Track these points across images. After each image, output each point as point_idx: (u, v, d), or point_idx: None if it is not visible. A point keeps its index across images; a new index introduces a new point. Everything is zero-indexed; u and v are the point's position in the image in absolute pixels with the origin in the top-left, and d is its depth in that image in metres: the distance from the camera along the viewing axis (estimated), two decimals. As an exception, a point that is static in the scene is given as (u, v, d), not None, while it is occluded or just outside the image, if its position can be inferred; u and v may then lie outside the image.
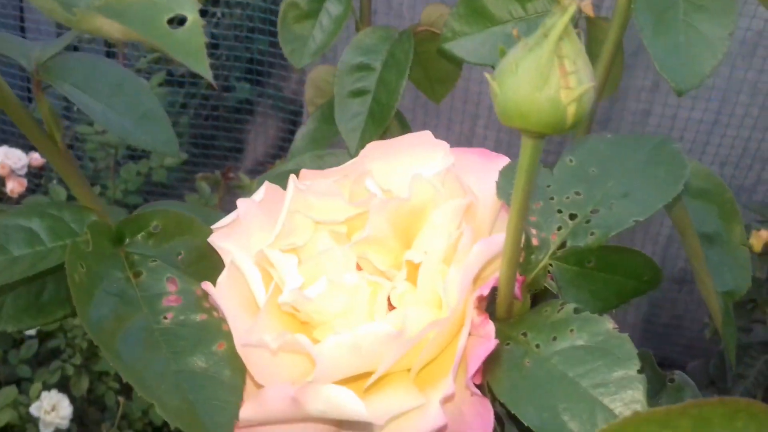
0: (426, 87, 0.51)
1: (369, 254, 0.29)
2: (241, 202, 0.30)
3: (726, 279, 0.34)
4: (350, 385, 0.25)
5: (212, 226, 0.29)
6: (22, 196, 1.17)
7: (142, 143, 0.29)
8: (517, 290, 0.28)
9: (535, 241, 0.29)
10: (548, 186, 0.30)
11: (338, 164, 0.31)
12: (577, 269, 0.28)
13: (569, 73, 0.19)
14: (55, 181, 1.29)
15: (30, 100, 1.39)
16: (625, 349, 0.24)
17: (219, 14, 1.58)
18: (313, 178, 0.30)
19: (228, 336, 0.27)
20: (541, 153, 0.22)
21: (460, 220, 0.28)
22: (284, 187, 0.29)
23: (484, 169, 0.31)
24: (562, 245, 0.28)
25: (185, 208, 0.33)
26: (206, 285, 0.28)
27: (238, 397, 0.26)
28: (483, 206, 0.30)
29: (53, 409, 1.05)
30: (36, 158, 1.23)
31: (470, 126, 1.34)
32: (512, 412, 0.24)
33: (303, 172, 0.31)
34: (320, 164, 0.40)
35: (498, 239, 0.26)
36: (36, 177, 1.36)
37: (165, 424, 1.13)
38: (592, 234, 0.28)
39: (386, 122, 0.46)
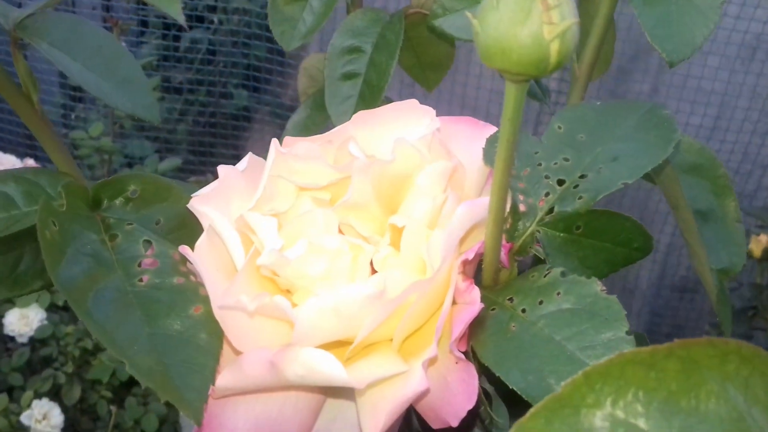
0: (418, 74, 0.51)
1: (352, 219, 0.28)
2: (222, 168, 0.29)
3: (721, 256, 0.34)
4: (332, 352, 0.25)
5: (193, 194, 0.29)
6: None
7: (121, 106, 0.28)
8: (504, 257, 0.27)
9: (522, 208, 0.28)
10: (536, 152, 0.29)
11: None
12: (565, 236, 0.27)
13: (552, 8, 0.19)
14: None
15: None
16: (613, 311, 0.23)
17: (217, 21, 1.59)
18: (298, 143, 0.29)
19: (205, 300, 0.26)
20: (524, 99, 0.21)
21: (446, 184, 0.27)
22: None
23: (472, 137, 0.30)
24: (550, 211, 0.28)
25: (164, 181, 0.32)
26: (184, 249, 0.27)
27: (214, 361, 0.25)
28: (471, 174, 0.29)
29: (45, 417, 1.03)
30: (31, 165, 1.22)
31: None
32: (497, 374, 0.23)
33: (287, 139, 0.30)
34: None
35: (483, 202, 0.26)
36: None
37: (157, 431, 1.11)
38: (580, 198, 0.27)
39: (377, 104, 0.45)
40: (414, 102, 0.30)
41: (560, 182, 0.28)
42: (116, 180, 0.28)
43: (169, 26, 1.55)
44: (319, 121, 0.52)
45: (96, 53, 0.28)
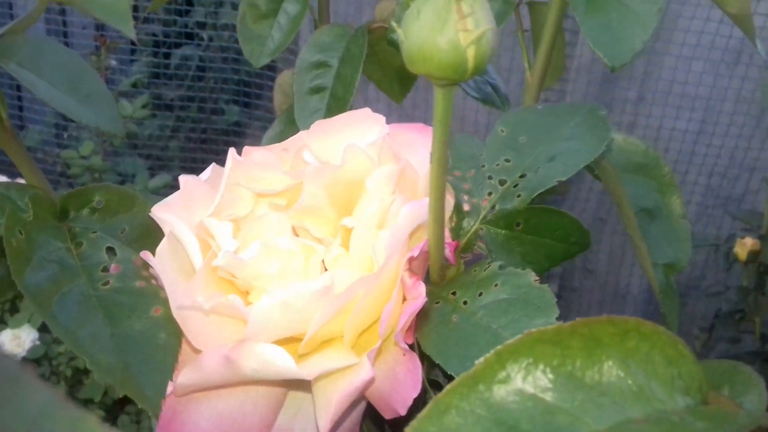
0: (386, 86, 0.52)
1: (306, 223, 0.29)
2: (183, 178, 0.30)
3: (666, 252, 0.35)
4: (289, 348, 0.26)
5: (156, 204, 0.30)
6: None
7: (86, 120, 0.30)
8: (449, 255, 0.29)
9: (466, 207, 0.29)
10: (480, 155, 0.31)
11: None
12: (507, 232, 0.29)
13: (467, 16, 0.20)
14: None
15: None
16: (545, 299, 0.25)
17: (207, 38, 1.61)
18: (256, 151, 0.31)
19: (165, 302, 0.27)
20: (452, 102, 0.23)
21: (394, 186, 0.29)
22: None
23: (422, 143, 0.32)
24: (493, 209, 0.29)
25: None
26: (145, 254, 0.28)
27: (173, 358, 0.26)
28: (424, 178, 0.31)
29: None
30: (1, 180, 1.24)
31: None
32: (437, 362, 0.25)
33: (246, 148, 0.32)
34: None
35: (426, 202, 0.27)
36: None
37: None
38: (518, 196, 0.28)
39: (344, 116, 0.47)
40: (367, 110, 0.32)
41: (502, 182, 0.29)
42: (82, 191, 0.30)
43: (159, 44, 1.57)
44: (292, 135, 0.54)
45: (62, 70, 0.30)
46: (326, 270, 0.28)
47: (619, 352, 0.18)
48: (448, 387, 0.18)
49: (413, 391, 0.26)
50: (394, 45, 0.42)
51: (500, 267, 0.26)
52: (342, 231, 0.29)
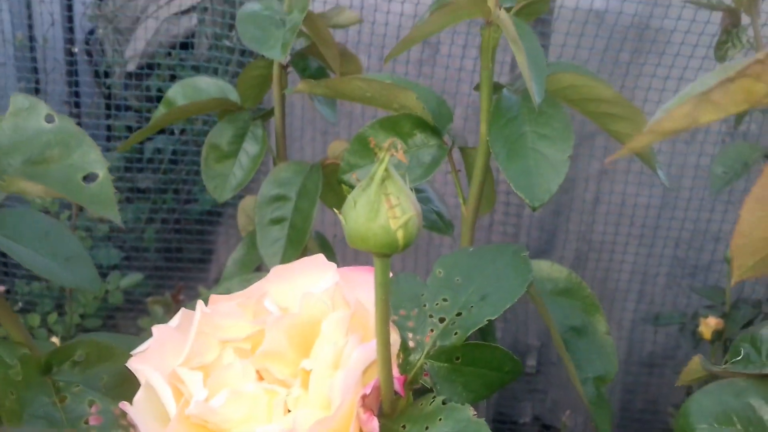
0: (340, 211, 0.57)
1: (269, 366, 0.33)
2: (156, 329, 0.34)
3: (596, 365, 0.39)
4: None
5: (132, 352, 0.33)
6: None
7: (67, 282, 0.33)
8: (399, 388, 0.32)
9: (411, 344, 0.33)
10: (422, 295, 0.35)
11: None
12: (448, 365, 0.33)
13: (394, 206, 0.25)
14: None
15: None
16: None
17: (179, 130, 1.66)
18: (221, 302, 0.35)
19: (143, 449, 0.30)
20: (389, 269, 0.27)
21: (346, 329, 0.33)
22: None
23: (372, 282, 0.36)
24: (434, 345, 0.33)
25: (111, 337, 0.37)
26: (124, 405, 0.31)
27: (151, 504, 0.29)
28: (372, 315, 0.35)
29: None
30: None
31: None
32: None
33: (212, 297, 0.35)
34: (247, 287, 0.44)
35: (374, 344, 0.31)
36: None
37: None
38: (456, 333, 0.33)
39: (303, 244, 0.51)
40: (320, 257, 0.36)
41: (441, 320, 0.34)
42: (65, 348, 0.33)
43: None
44: (255, 259, 0.58)
45: (44, 238, 0.34)
46: (289, 411, 0.32)
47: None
48: None
49: None
50: (345, 184, 0.46)
51: (443, 402, 0.30)
52: (302, 372, 0.32)
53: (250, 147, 0.53)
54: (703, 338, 1.28)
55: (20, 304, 1.30)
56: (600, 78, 0.42)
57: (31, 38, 1.24)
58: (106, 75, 1.57)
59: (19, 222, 0.34)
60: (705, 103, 0.16)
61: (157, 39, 1.61)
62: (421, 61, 1.13)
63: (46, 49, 1.26)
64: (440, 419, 0.30)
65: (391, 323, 0.33)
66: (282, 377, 0.33)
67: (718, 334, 1.26)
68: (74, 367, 0.33)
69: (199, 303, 0.34)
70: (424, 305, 0.34)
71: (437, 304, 0.34)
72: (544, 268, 0.41)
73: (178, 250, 1.68)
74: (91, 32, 1.57)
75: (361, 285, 0.36)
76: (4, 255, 1.42)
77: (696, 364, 0.29)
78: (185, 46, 1.47)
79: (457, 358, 0.33)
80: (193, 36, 1.44)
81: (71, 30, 1.36)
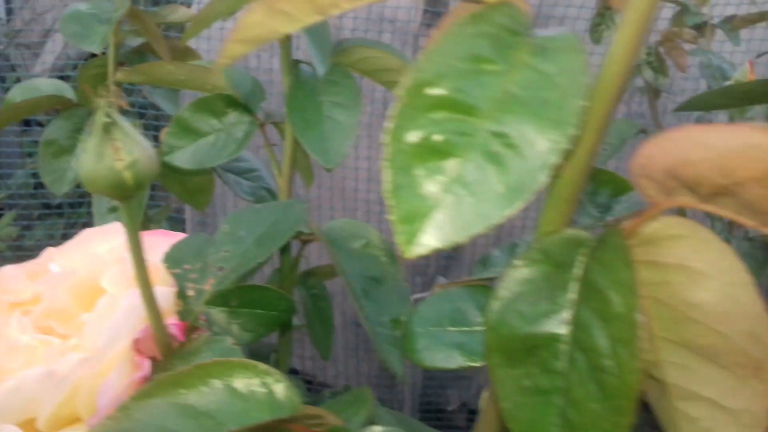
0: (187, 198, 0.59)
1: (54, 324, 0.35)
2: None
3: (393, 308, 0.42)
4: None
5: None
6: None
7: None
8: (179, 334, 0.35)
9: (191, 293, 0.36)
10: (209, 250, 0.37)
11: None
12: (225, 309, 0.35)
13: (119, 149, 0.27)
14: None
15: None
16: (236, 353, 0.31)
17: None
18: (9, 267, 0.36)
19: None
20: (137, 210, 0.30)
21: (126, 283, 0.35)
22: None
23: (165, 244, 0.38)
24: (213, 292, 0.35)
25: None
26: None
27: None
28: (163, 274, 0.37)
29: None
30: None
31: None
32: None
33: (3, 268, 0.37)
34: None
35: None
36: None
37: None
38: (228, 279, 0.35)
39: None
40: (116, 225, 0.38)
41: (220, 269, 0.36)
42: None
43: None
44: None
45: None
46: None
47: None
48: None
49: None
50: (167, 166, 0.49)
51: (206, 339, 0.32)
52: (81, 325, 0.34)
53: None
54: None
55: None
56: (390, 49, 0.46)
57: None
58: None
59: None
60: (275, 13, 0.19)
61: (65, 52, 1.61)
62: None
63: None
64: (204, 352, 0.32)
65: (169, 275, 0.36)
66: (65, 332, 0.34)
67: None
68: None
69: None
70: (208, 259, 0.37)
71: (219, 256, 0.37)
72: (346, 227, 0.44)
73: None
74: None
75: (155, 246, 0.38)
76: None
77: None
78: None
79: (234, 302, 0.35)
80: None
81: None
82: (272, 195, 0.53)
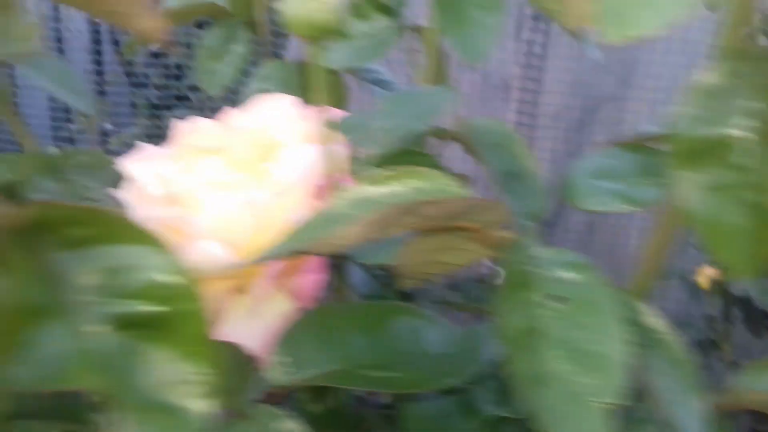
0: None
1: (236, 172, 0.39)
2: (140, 145, 0.40)
3: (529, 203, 0.45)
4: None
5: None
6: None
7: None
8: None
9: (360, 155, 0.40)
10: (371, 123, 0.41)
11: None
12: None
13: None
14: None
15: None
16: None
17: (197, 100, 1.73)
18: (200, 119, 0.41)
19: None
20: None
21: (305, 138, 0.39)
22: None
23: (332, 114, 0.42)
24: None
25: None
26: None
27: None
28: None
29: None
30: None
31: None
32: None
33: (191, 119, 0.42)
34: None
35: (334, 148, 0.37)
36: None
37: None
38: (391, 144, 0.39)
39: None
40: (287, 95, 0.42)
41: (382, 137, 0.40)
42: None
43: (154, 107, 1.64)
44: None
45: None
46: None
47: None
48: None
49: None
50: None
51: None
52: (268, 172, 0.38)
53: (237, 48, 0.60)
54: (701, 288, 1.26)
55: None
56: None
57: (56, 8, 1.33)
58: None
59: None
60: None
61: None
62: None
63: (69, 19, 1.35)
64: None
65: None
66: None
67: (716, 284, 1.26)
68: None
69: (179, 123, 0.40)
70: (371, 129, 0.41)
71: (379, 126, 0.41)
72: (488, 123, 0.47)
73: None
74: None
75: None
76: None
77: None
78: (200, 25, 1.55)
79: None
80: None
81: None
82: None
